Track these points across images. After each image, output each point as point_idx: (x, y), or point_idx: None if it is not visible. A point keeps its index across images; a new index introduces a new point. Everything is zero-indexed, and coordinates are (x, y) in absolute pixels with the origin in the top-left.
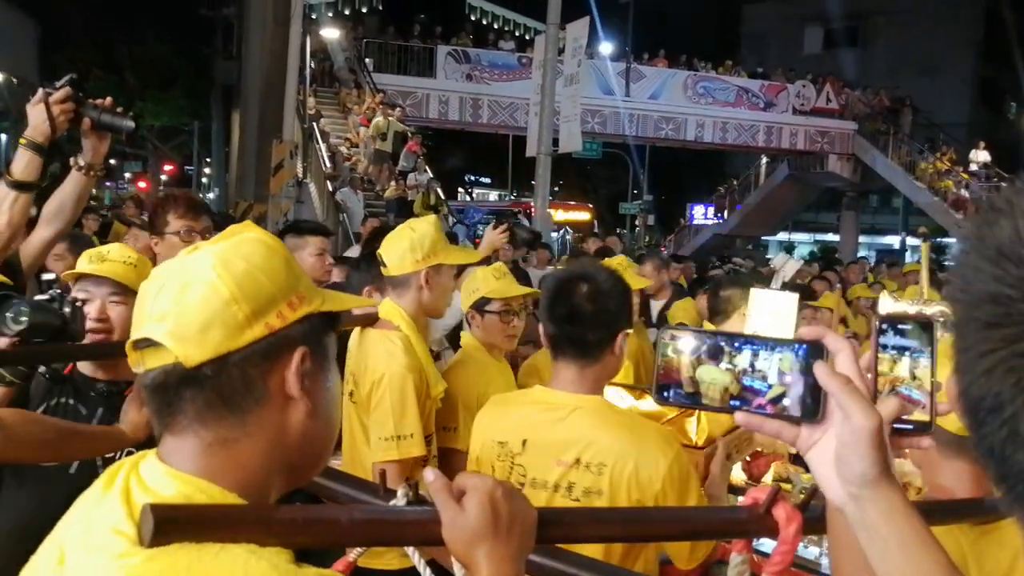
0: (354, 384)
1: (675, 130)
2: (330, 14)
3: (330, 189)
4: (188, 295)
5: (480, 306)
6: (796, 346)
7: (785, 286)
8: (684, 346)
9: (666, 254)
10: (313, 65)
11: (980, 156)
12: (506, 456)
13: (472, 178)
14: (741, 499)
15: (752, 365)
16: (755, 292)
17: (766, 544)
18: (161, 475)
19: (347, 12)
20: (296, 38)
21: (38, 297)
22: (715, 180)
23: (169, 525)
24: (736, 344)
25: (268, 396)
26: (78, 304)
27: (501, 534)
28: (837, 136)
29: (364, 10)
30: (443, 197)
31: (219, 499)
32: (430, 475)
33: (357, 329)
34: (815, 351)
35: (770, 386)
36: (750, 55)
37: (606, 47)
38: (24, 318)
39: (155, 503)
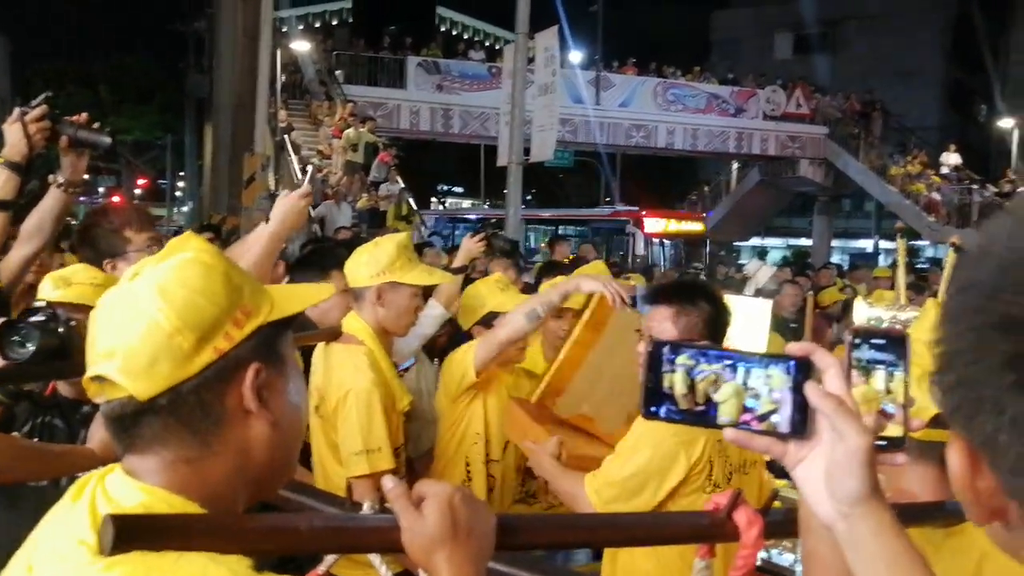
0: (320, 399)
1: (646, 137)
2: (300, 27)
3: None
4: (131, 331)
5: (488, 321)
6: (786, 362)
7: (759, 292)
8: (679, 361)
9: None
10: (284, 78)
11: (951, 159)
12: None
13: (445, 188)
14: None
15: (745, 382)
16: (729, 298)
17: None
18: (125, 487)
19: (317, 25)
20: (266, 51)
21: (35, 318)
22: (687, 186)
23: (129, 534)
24: (727, 359)
25: (227, 415)
26: (72, 323)
27: (460, 540)
28: (808, 141)
29: (334, 22)
30: (415, 207)
31: (181, 510)
32: (388, 482)
33: (321, 344)
34: (804, 367)
35: (761, 403)
36: (721, 62)
37: (576, 55)
38: (31, 343)
39: (115, 513)
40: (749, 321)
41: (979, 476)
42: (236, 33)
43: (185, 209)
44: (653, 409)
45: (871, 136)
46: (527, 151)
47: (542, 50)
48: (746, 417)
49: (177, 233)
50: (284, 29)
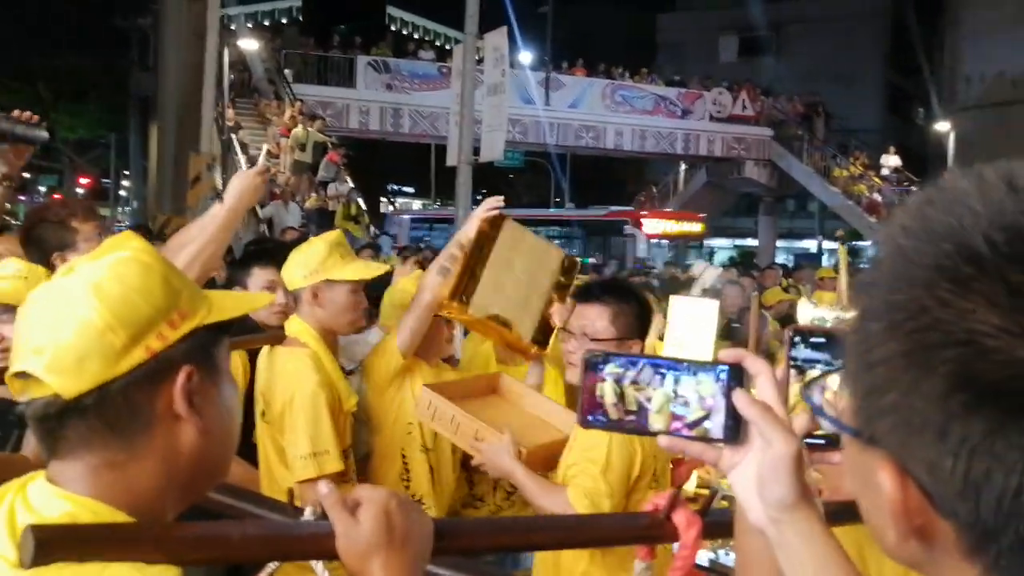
0: (265, 404)
1: (595, 138)
2: (249, 25)
3: None
4: (62, 326)
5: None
6: (717, 369)
7: (705, 293)
8: (607, 370)
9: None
10: (232, 76)
11: (891, 161)
12: None
13: (395, 187)
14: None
15: (674, 389)
16: (674, 300)
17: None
18: (48, 496)
19: (266, 23)
20: (213, 49)
21: None
22: (636, 187)
23: (50, 546)
24: (659, 367)
25: (155, 418)
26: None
27: (395, 546)
28: (753, 142)
29: (283, 21)
30: (364, 207)
31: (107, 518)
32: (323, 488)
33: (266, 348)
34: (736, 373)
35: (692, 410)
36: (667, 64)
37: (525, 56)
38: None
39: (35, 524)
40: (696, 322)
41: (909, 496)
42: (182, 30)
43: (130, 209)
44: (590, 418)
45: (814, 138)
46: (477, 151)
47: (491, 50)
48: (677, 424)
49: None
50: (232, 27)
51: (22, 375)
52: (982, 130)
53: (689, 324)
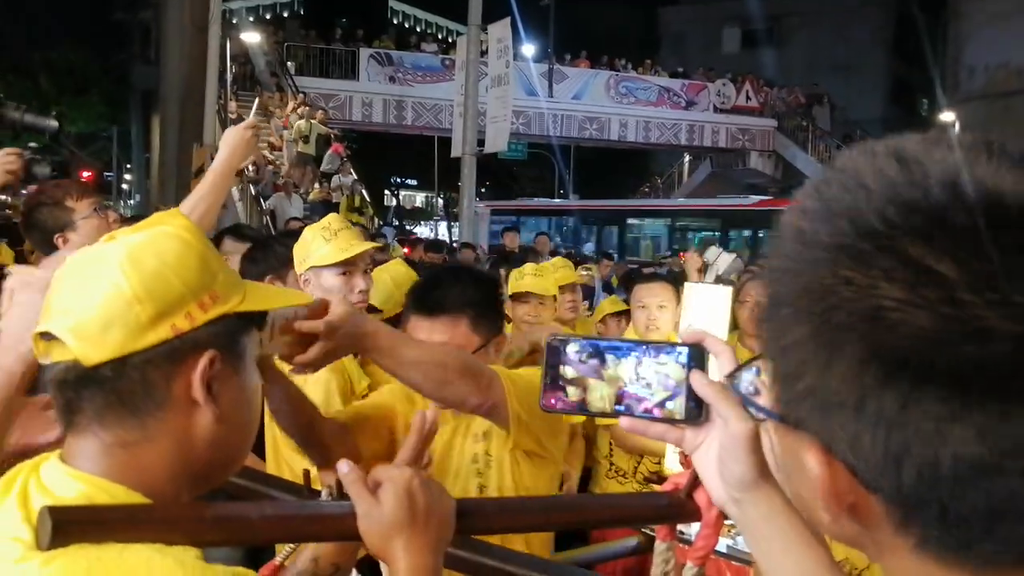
0: None
1: (599, 130)
2: (251, 18)
3: (253, 193)
4: (92, 291)
5: None
6: (678, 350)
7: (719, 280)
8: (569, 353)
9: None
10: (234, 69)
11: None
12: None
13: (398, 180)
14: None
15: (636, 371)
16: (689, 286)
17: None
18: (62, 476)
19: (268, 16)
20: (215, 42)
21: None
22: (640, 178)
23: (68, 527)
24: (619, 350)
25: (171, 400)
26: None
27: (418, 525)
28: (758, 133)
29: (285, 14)
30: (368, 199)
31: (123, 499)
32: (344, 467)
33: None
34: (696, 354)
35: (653, 391)
36: (670, 56)
37: (528, 48)
38: None
39: (52, 505)
40: (709, 309)
41: (836, 476)
42: (184, 23)
43: (132, 202)
44: (553, 401)
45: (818, 129)
46: (481, 143)
47: (495, 41)
48: (639, 406)
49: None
50: (234, 20)
51: (47, 336)
52: (985, 121)
53: (703, 311)
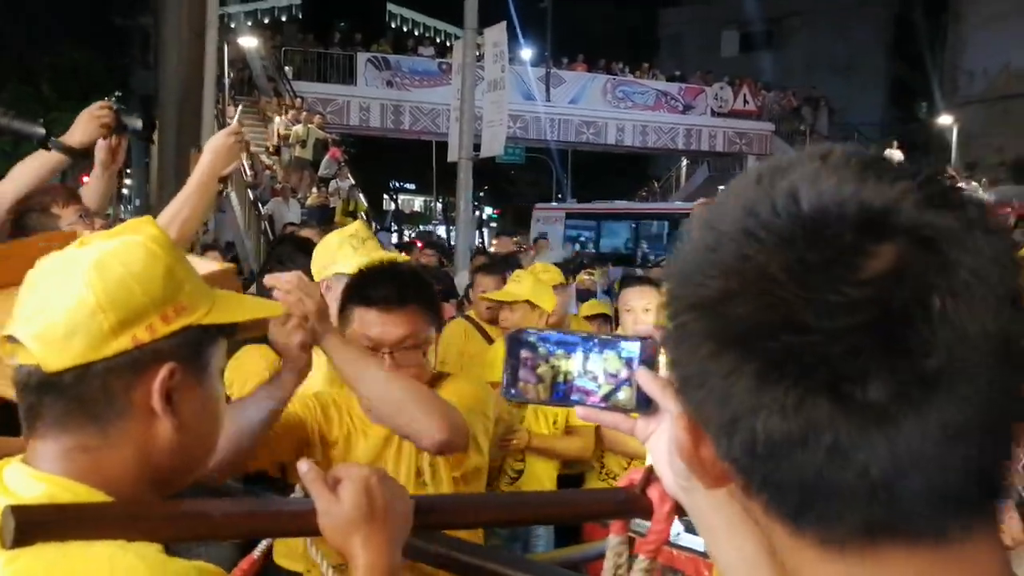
0: None
1: (596, 134)
2: (249, 23)
3: (251, 198)
4: (57, 298)
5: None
6: (628, 342)
7: None
8: (527, 346)
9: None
10: (232, 74)
11: (894, 155)
12: None
13: (396, 184)
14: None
15: (588, 363)
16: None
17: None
18: (24, 477)
19: (266, 20)
20: (212, 47)
21: None
22: (638, 182)
23: (30, 527)
24: (575, 343)
25: (131, 409)
26: None
27: (376, 521)
28: (755, 137)
29: (283, 18)
30: (364, 203)
31: (86, 498)
32: (303, 466)
33: None
34: (647, 347)
35: (605, 382)
36: (668, 59)
37: (526, 52)
38: None
39: (15, 505)
40: None
41: (702, 445)
42: (181, 28)
43: (132, 207)
44: (512, 391)
45: (816, 132)
46: (478, 147)
47: (491, 46)
48: (592, 397)
49: None
50: (232, 25)
51: (12, 338)
52: (985, 123)
53: None
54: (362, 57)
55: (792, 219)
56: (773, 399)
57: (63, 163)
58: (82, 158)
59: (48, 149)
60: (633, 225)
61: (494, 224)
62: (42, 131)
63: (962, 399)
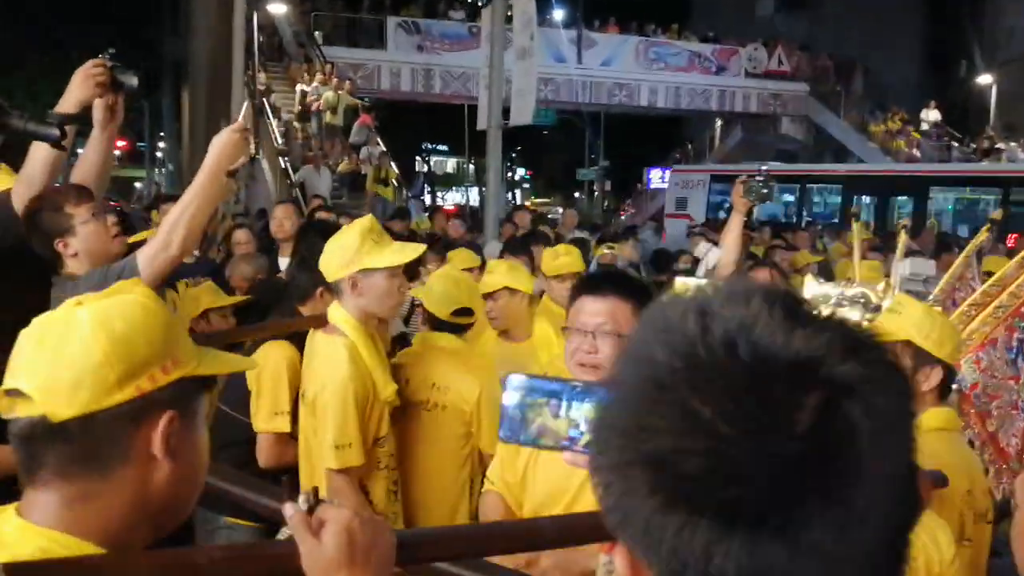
0: (304, 387)
1: (628, 96)
2: None
3: (282, 165)
4: (63, 352)
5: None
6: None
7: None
8: (523, 393)
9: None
10: (261, 40)
11: (931, 116)
12: None
13: (429, 146)
14: None
15: (568, 413)
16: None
17: None
18: (21, 532)
19: None
20: (241, 13)
21: None
22: (671, 144)
23: None
24: (555, 391)
25: (133, 454)
26: None
27: (357, 563)
28: (789, 98)
29: None
30: (396, 171)
31: (77, 551)
32: (289, 510)
33: (311, 332)
34: None
35: (581, 431)
36: (701, 19)
37: (557, 14)
38: None
39: (7, 562)
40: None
41: (642, 573)
42: None
43: (165, 171)
44: (507, 435)
45: (852, 94)
46: (507, 113)
47: (520, 13)
48: (575, 445)
49: (159, 196)
50: None
51: (13, 392)
52: None
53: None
54: (392, 21)
55: (733, 372)
56: (727, 549)
57: (63, 157)
58: (82, 123)
59: (61, 149)
60: (796, 189)
61: (527, 185)
62: (57, 133)
63: (877, 529)
